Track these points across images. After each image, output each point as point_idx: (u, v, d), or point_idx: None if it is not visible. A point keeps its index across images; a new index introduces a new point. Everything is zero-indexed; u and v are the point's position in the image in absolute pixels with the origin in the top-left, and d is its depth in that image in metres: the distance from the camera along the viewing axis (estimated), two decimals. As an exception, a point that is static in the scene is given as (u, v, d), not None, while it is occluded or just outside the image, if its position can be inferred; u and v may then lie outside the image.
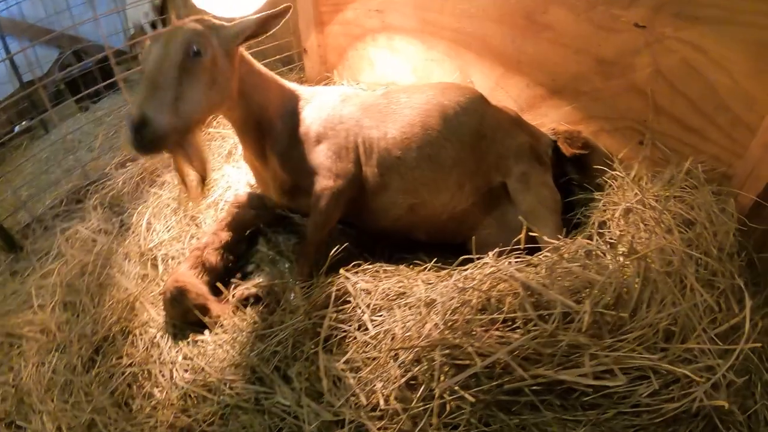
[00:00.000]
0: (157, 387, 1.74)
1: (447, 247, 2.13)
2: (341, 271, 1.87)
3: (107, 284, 2.16)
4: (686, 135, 2.01)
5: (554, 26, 2.23)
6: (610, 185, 2.10)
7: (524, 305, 1.41)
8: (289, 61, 3.55)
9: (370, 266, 1.95)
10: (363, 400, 1.44)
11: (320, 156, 2.02)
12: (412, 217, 2.10)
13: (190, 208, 2.53)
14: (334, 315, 1.72)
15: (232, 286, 2.10)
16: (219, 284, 2.08)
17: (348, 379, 1.52)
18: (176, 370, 1.77)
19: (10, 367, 1.94)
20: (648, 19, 1.95)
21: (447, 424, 1.35)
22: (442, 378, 1.36)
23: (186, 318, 1.92)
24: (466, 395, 1.31)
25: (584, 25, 2.13)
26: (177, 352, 1.84)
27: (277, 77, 2.17)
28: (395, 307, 1.67)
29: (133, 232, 2.44)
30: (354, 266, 1.93)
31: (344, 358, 1.58)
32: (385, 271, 1.92)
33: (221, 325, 1.92)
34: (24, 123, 4.20)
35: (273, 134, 2.08)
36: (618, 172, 2.08)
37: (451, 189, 2.06)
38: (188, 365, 1.78)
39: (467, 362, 1.36)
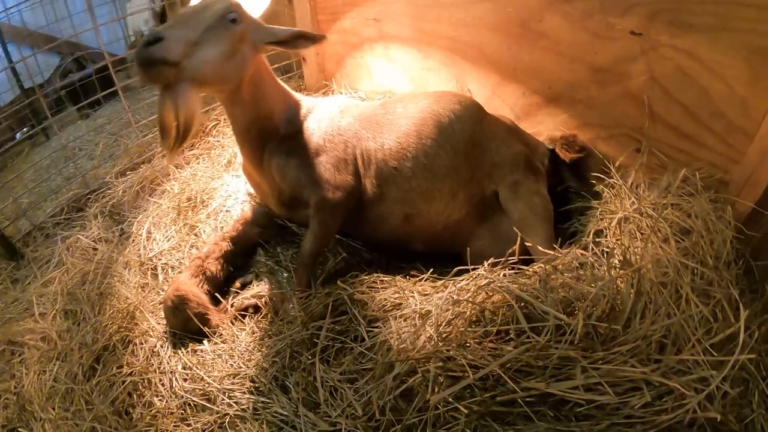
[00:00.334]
0: (157, 396, 1.75)
1: (444, 255, 2.13)
2: (338, 282, 1.89)
3: (107, 293, 2.18)
4: (682, 142, 2.01)
5: (550, 34, 2.23)
6: (607, 193, 2.10)
7: (517, 317, 1.42)
8: (288, 69, 3.58)
9: (367, 277, 1.96)
10: (359, 410, 1.45)
11: (319, 168, 2.02)
12: (408, 227, 2.10)
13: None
14: (331, 326, 1.74)
15: (231, 296, 2.12)
16: (218, 294, 2.09)
17: (344, 390, 1.53)
18: (176, 379, 1.78)
19: (11, 374, 1.95)
20: (643, 27, 1.95)
21: (442, 435, 1.36)
22: (436, 389, 1.37)
23: (186, 327, 1.93)
24: (460, 406, 1.32)
25: (580, 33, 2.13)
26: (177, 361, 1.85)
27: (285, 86, 2.18)
28: (391, 318, 1.68)
29: (133, 241, 2.46)
30: (351, 277, 1.95)
31: (341, 369, 1.60)
32: (381, 281, 1.94)
33: (220, 335, 1.94)
34: (25, 130, 4.22)
35: (273, 143, 2.09)
36: (615, 180, 2.08)
37: (445, 198, 2.06)
38: (188, 374, 1.79)
39: (461, 374, 1.37)
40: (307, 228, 2.10)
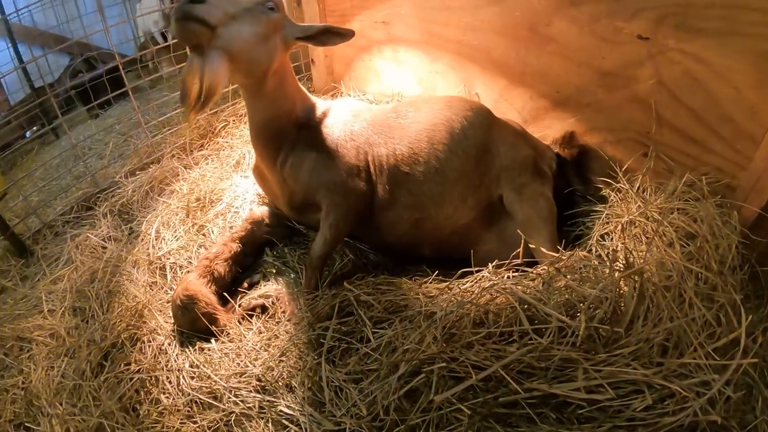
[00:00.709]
0: (164, 393, 1.77)
1: (450, 258, 2.14)
2: (345, 283, 1.90)
3: (116, 291, 2.19)
4: (689, 146, 2.01)
5: (557, 39, 2.24)
6: (614, 197, 2.10)
7: (520, 319, 1.43)
8: (297, 71, 3.58)
9: (373, 279, 1.98)
10: (364, 410, 1.46)
11: (332, 172, 2.04)
12: (417, 232, 2.11)
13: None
14: (338, 327, 1.76)
15: (239, 296, 2.13)
16: (226, 294, 2.11)
17: (349, 390, 1.55)
18: (183, 377, 1.80)
19: (20, 369, 1.97)
20: (651, 31, 1.95)
21: (445, 436, 1.37)
22: (440, 390, 1.38)
23: (194, 326, 1.95)
24: (463, 407, 1.33)
25: (587, 38, 2.14)
26: (184, 359, 1.87)
27: (303, 88, 2.20)
28: (396, 319, 1.69)
29: (142, 240, 2.47)
30: (357, 279, 1.97)
31: (346, 369, 1.62)
32: (387, 283, 1.95)
33: (227, 334, 1.95)
34: (35, 129, 4.26)
35: (288, 144, 2.10)
36: (622, 185, 2.08)
37: (455, 202, 2.06)
38: (195, 372, 1.81)
39: (464, 375, 1.38)
40: (315, 231, 2.11)
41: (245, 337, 1.91)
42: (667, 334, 1.37)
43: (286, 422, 1.58)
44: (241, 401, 1.67)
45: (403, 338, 1.57)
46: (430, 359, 1.44)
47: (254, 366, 1.77)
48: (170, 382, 1.79)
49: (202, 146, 3.17)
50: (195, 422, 1.65)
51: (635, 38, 2.00)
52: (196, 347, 1.91)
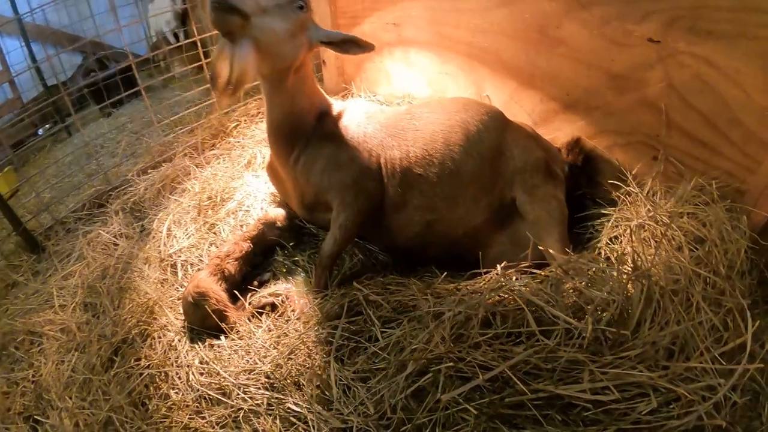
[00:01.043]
0: (174, 389, 1.78)
1: (459, 259, 2.14)
2: (354, 283, 1.92)
3: (127, 287, 2.21)
4: (699, 150, 2.00)
5: (567, 41, 2.24)
6: (624, 201, 2.10)
7: (527, 320, 1.44)
8: (309, 71, 3.60)
9: (382, 279, 1.99)
10: (371, 409, 1.48)
11: (343, 174, 2.05)
12: (429, 233, 2.12)
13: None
14: (346, 326, 1.78)
15: (249, 293, 2.15)
16: (236, 292, 2.13)
17: (357, 388, 1.56)
18: (192, 373, 1.81)
19: (30, 363, 1.99)
20: (661, 34, 1.95)
21: (451, 436, 1.38)
22: (447, 390, 1.39)
23: (204, 323, 1.96)
24: (470, 407, 1.34)
25: (597, 40, 2.14)
26: (194, 355, 1.88)
27: (321, 90, 2.22)
28: (404, 319, 1.70)
29: (153, 237, 2.50)
30: (366, 278, 1.98)
31: (354, 368, 1.63)
32: (396, 283, 1.96)
33: (237, 331, 1.97)
34: (48, 127, 4.30)
35: (302, 143, 2.12)
36: (632, 188, 2.08)
37: (468, 203, 2.07)
38: (204, 369, 1.82)
39: (471, 375, 1.39)
40: (326, 230, 2.13)
41: (254, 335, 1.93)
42: (673, 338, 1.37)
43: (294, 419, 1.59)
44: (250, 398, 1.68)
45: (411, 338, 1.58)
46: (438, 359, 1.45)
47: (263, 363, 1.78)
48: (179, 378, 1.81)
49: (213, 146, 3.19)
50: (203, 418, 1.67)
51: (645, 41, 2.00)
52: (206, 344, 1.93)
